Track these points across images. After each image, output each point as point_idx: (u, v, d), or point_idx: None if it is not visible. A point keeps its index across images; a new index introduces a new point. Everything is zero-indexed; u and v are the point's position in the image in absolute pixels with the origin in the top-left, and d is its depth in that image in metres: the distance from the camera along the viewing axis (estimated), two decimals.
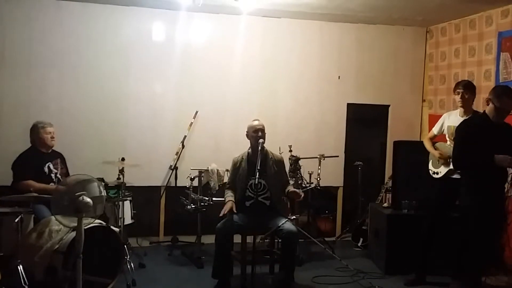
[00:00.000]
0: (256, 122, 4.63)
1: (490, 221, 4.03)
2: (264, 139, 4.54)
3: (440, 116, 4.93)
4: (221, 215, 4.41)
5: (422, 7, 5.60)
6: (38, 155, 4.86)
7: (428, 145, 4.84)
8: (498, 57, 5.37)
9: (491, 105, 4.04)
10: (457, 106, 4.65)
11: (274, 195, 4.59)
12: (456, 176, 4.57)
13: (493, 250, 4.41)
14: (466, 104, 4.55)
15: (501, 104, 3.96)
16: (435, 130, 4.87)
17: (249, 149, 4.70)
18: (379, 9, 5.77)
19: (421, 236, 4.73)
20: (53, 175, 4.88)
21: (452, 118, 4.70)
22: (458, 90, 4.56)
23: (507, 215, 4.50)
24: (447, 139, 4.75)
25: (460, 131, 4.19)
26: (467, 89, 4.53)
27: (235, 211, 4.44)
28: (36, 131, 4.90)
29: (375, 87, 6.58)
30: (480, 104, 5.49)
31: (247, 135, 4.65)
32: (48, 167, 4.87)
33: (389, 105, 6.70)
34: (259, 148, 4.40)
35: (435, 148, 4.77)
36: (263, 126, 4.60)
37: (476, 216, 4.03)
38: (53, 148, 5.01)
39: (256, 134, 4.55)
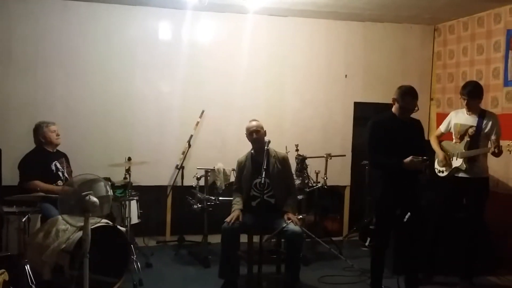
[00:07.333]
0: (252, 123, 4.60)
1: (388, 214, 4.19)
2: (263, 137, 4.52)
3: (448, 114, 4.89)
4: (227, 220, 4.39)
5: (430, 5, 5.56)
6: (44, 154, 4.87)
7: (434, 144, 4.82)
8: (507, 55, 5.31)
9: (396, 104, 4.12)
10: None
11: (278, 193, 4.57)
12: (462, 175, 4.55)
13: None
14: (473, 108, 4.55)
15: (404, 103, 4.06)
16: (442, 128, 4.84)
17: (252, 149, 4.69)
18: (387, 7, 5.73)
19: (428, 236, 4.69)
20: (60, 173, 4.89)
21: (460, 116, 4.68)
22: (463, 97, 4.55)
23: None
24: (453, 137, 4.72)
25: (369, 131, 4.17)
26: (472, 97, 4.49)
27: (240, 219, 4.42)
28: (40, 131, 4.89)
29: (382, 86, 6.52)
30: (489, 102, 5.45)
31: (246, 136, 4.64)
32: (55, 165, 4.88)
33: None
34: (266, 147, 4.37)
35: (441, 147, 4.74)
36: (258, 126, 4.56)
37: (376, 208, 4.38)
38: (57, 148, 5.01)
39: (251, 136, 4.55)
